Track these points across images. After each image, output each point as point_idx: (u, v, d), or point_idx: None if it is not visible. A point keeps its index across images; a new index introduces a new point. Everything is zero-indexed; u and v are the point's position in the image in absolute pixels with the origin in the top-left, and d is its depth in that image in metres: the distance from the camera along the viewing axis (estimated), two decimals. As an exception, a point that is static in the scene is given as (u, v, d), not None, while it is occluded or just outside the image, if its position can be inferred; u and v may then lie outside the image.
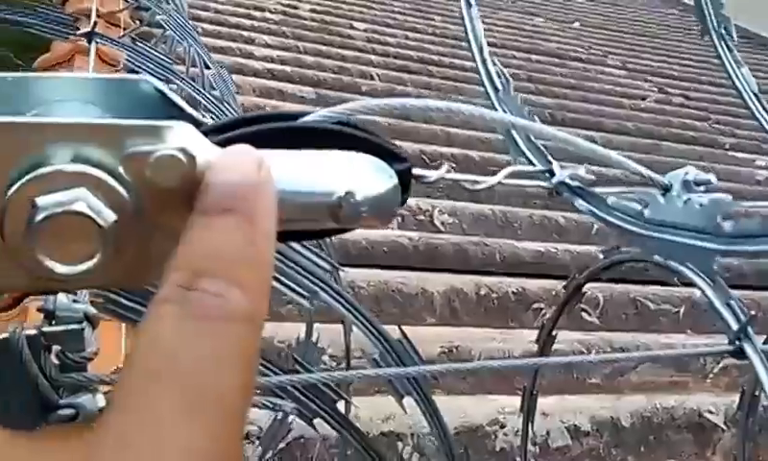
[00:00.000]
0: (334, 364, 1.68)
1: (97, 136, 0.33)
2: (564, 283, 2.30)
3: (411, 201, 1.49)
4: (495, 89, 0.90)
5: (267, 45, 3.83)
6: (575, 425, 1.86)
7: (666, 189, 0.70)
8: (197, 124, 0.36)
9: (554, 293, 2.29)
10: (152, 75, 1.84)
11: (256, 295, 0.32)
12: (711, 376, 2.14)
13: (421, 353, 1.86)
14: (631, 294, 2.36)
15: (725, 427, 1.93)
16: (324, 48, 4.02)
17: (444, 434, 0.99)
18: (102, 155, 0.33)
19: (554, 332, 1.27)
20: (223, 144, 0.35)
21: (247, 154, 0.35)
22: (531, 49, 4.82)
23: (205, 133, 0.35)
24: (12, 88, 0.38)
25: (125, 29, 2.45)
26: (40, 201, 0.32)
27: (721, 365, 2.14)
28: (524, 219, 2.72)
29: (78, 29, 1.85)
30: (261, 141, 0.36)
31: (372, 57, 4.11)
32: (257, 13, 4.23)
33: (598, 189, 0.74)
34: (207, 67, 2.00)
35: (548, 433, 1.82)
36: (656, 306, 2.37)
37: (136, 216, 0.34)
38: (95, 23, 1.77)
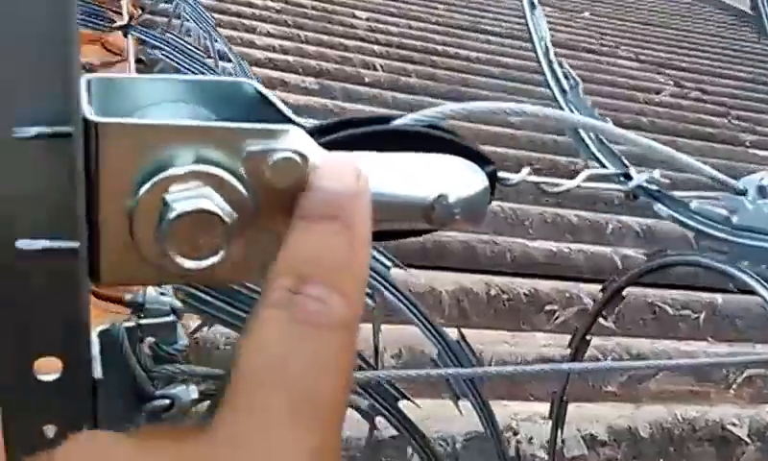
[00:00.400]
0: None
1: (217, 138, 0.35)
2: (577, 285, 2.25)
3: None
4: (563, 91, 0.88)
5: (269, 34, 3.76)
6: (591, 435, 1.79)
7: (741, 194, 0.72)
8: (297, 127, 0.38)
9: (567, 295, 2.24)
10: (186, 68, 1.84)
11: (354, 301, 0.34)
12: (735, 386, 2.07)
13: (433, 355, 1.80)
14: (648, 298, 2.29)
15: (749, 441, 1.86)
16: (325, 38, 3.96)
17: (499, 438, 1.02)
18: (222, 156, 0.35)
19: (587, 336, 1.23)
20: (325, 146, 0.37)
21: (346, 163, 0.36)
22: (538, 40, 4.73)
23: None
24: (117, 90, 0.40)
25: (131, 18, 2.41)
26: (171, 199, 0.34)
27: (745, 375, 2.07)
28: (535, 217, 2.65)
29: (113, 21, 1.84)
30: (358, 143, 0.39)
31: (375, 47, 4.05)
32: (258, 1, 4.16)
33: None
34: (222, 57, 1.98)
35: (564, 442, 1.76)
36: (675, 312, 2.30)
37: (254, 215, 0.36)
38: (131, 16, 1.78)
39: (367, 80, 3.57)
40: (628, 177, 0.74)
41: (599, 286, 2.22)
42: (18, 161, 0.34)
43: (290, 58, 3.54)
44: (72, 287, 0.37)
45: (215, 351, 1.53)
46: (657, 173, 0.72)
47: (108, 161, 0.34)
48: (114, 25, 1.88)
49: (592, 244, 2.58)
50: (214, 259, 0.36)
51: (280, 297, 0.33)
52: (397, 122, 0.41)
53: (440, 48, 4.28)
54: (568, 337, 2.00)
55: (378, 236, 0.40)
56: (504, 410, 1.78)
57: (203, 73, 1.85)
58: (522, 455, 1.70)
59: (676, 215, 0.73)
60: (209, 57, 2.03)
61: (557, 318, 2.19)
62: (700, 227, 0.73)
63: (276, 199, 0.36)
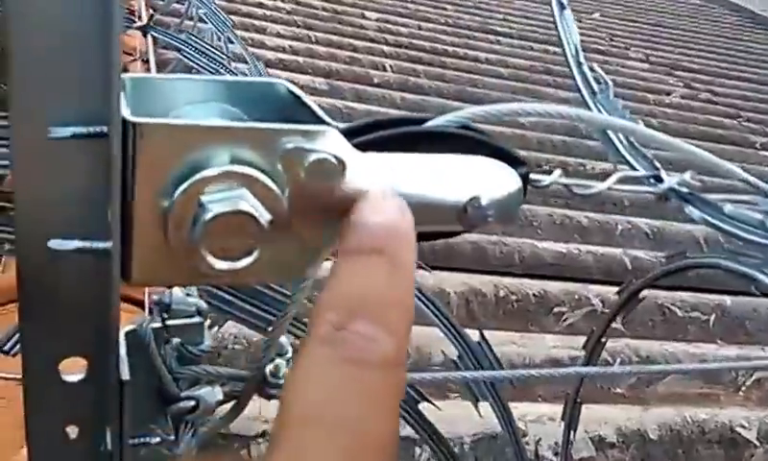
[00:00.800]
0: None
1: (254, 139, 0.35)
2: (586, 287, 2.24)
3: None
4: (592, 93, 0.88)
5: (279, 35, 3.76)
6: (600, 436, 1.79)
7: (771, 197, 0.72)
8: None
9: (576, 296, 2.24)
10: (204, 68, 1.85)
11: (402, 338, 0.34)
12: (744, 388, 2.06)
13: (440, 357, 1.80)
14: (659, 300, 2.27)
15: (758, 443, 1.86)
16: (335, 38, 3.96)
17: (517, 442, 1.01)
18: (258, 156, 0.35)
19: (603, 339, 1.23)
20: (357, 147, 0.37)
21: (391, 196, 0.36)
22: (548, 40, 4.72)
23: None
24: (148, 89, 0.40)
25: (139, 18, 2.41)
26: (207, 201, 0.34)
27: (754, 377, 2.06)
28: (544, 218, 2.64)
29: (132, 22, 1.85)
30: (391, 145, 0.38)
31: (385, 47, 4.05)
32: (269, 2, 4.16)
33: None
34: (237, 58, 1.99)
35: (572, 443, 1.75)
36: (684, 314, 2.29)
37: (287, 216, 0.36)
38: (151, 16, 1.78)
39: (376, 80, 3.57)
40: (659, 179, 0.74)
41: (608, 288, 2.23)
42: (53, 162, 0.34)
43: (300, 58, 3.54)
44: (103, 288, 0.37)
45: (223, 351, 1.53)
46: (688, 175, 0.71)
47: (144, 162, 0.34)
48: (134, 25, 1.88)
49: (602, 245, 2.57)
50: (247, 261, 0.36)
51: (327, 333, 0.33)
52: (430, 123, 0.40)
53: (449, 49, 4.28)
54: (577, 339, 2.00)
55: None
56: (512, 412, 1.77)
57: (222, 74, 1.86)
58: (531, 456, 1.70)
59: (709, 219, 0.72)
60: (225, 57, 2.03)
61: (565, 320, 2.19)
62: (735, 230, 0.71)
63: (309, 201, 0.36)
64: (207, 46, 1.90)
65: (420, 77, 3.76)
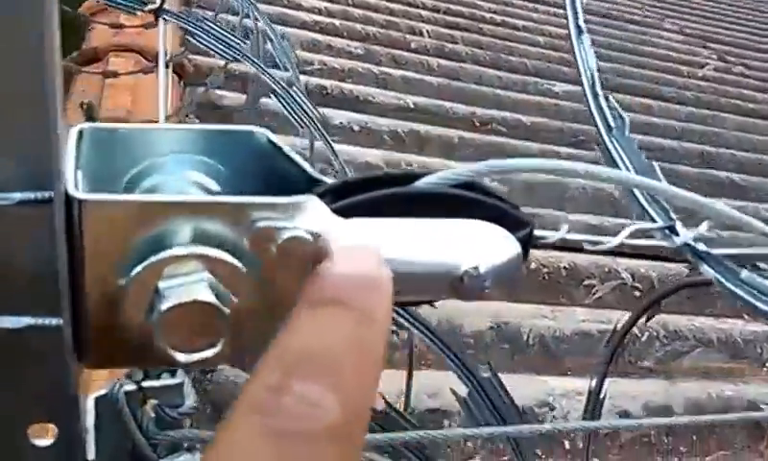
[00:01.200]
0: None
1: (220, 214, 0.32)
2: (615, 260, 2.26)
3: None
4: (608, 128, 0.82)
5: (315, -5, 3.75)
6: (626, 411, 1.81)
7: (796, 256, 0.66)
8: (311, 181, 0.35)
9: (606, 269, 2.25)
10: (217, 53, 1.83)
11: (357, 403, 0.28)
12: (768, 365, 2.08)
13: (471, 328, 1.81)
14: (685, 274, 2.28)
15: (780, 419, 1.88)
16: (372, 1, 3.94)
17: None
18: (226, 233, 0.32)
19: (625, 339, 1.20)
20: (341, 211, 0.33)
21: (367, 249, 0.32)
22: (585, 9, 4.68)
23: (321, 196, 0.33)
24: (119, 141, 0.37)
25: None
26: (164, 287, 0.31)
27: (778, 353, 2.08)
28: (576, 189, 2.64)
29: (145, 3, 1.83)
30: (380, 207, 0.35)
31: (422, 12, 4.03)
32: (307, -37, 4.15)
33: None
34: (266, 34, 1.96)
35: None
36: (712, 288, 2.28)
37: (257, 294, 0.33)
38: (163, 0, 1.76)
39: (413, 45, 3.56)
40: (674, 231, 0.70)
41: (637, 261, 2.24)
42: (2, 229, 0.31)
43: (336, 21, 3.53)
44: (59, 361, 0.34)
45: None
46: (704, 227, 0.67)
47: (91, 239, 0.31)
48: (146, 9, 1.85)
49: (631, 218, 2.55)
50: (208, 354, 0.32)
51: (259, 397, 0.27)
52: (421, 182, 0.36)
53: (487, 16, 4.26)
54: (606, 312, 2.03)
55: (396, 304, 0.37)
56: (541, 386, 1.80)
57: (237, 59, 1.83)
58: (557, 431, 1.72)
59: (724, 281, 0.68)
60: (247, 37, 2.00)
61: (595, 292, 2.20)
62: (748, 298, 0.67)
63: (282, 274, 0.33)
64: (221, 30, 1.88)
65: (456, 43, 3.75)
